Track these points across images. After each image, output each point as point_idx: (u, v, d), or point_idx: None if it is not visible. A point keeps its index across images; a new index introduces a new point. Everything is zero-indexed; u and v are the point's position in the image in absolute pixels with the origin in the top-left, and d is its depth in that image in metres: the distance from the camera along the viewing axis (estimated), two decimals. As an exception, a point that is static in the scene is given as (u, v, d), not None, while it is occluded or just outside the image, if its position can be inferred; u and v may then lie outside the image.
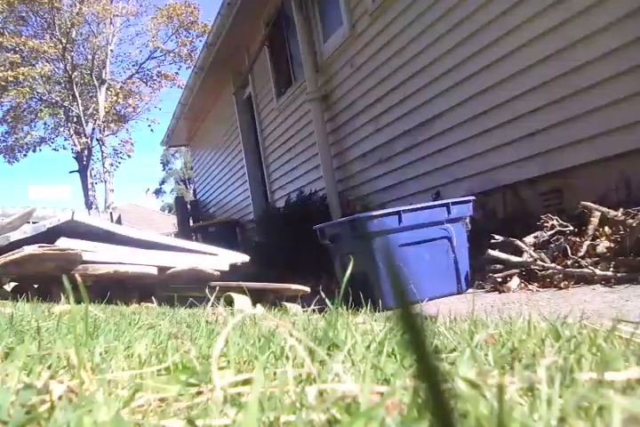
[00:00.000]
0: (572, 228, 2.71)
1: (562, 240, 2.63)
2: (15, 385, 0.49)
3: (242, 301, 2.28)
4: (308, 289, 2.59)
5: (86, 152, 22.69)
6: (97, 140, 22.36)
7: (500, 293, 2.55)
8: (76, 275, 0.87)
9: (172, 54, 22.95)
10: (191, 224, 11.36)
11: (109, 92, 22.47)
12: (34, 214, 3.06)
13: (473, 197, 2.87)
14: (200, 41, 21.01)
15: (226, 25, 7.02)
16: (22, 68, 19.74)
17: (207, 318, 1.15)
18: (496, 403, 0.36)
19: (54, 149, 26.50)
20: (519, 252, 2.71)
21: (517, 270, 2.64)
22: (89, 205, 22.25)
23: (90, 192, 22.70)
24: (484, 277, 2.76)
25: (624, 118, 2.82)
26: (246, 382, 0.55)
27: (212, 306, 1.24)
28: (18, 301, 2.03)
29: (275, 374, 0.60)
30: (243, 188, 9.17)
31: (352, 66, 5.32)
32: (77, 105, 21.67)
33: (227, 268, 2.67)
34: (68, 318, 1.13)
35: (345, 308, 1.23)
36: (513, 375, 0.55)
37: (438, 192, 4.25)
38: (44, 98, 22.10)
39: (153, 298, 2.49)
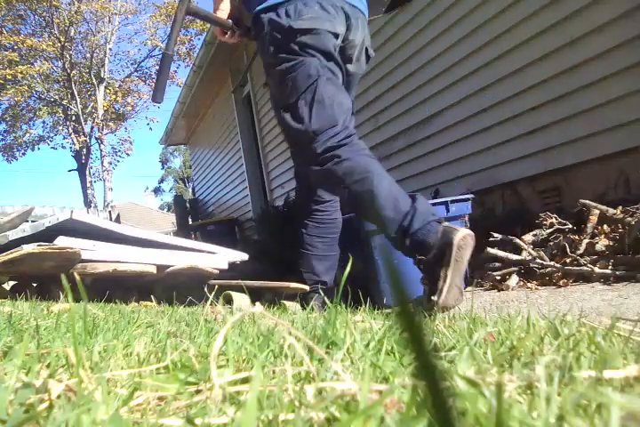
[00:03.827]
0: (570, 226, 2.71)
1: (561, 238, 2.63)
2: (14, 384, 0.49)
3: (241, 299, 2.28)
4: (307, 287, 2.59)
5: (85, 151, 22.67)
6: (96, 138, 22.32)
7: (498, 291, 2.55)
8: (75, 274, 0.87)
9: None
10: (190, 223, 11.36)
11: (108, 91, 22.44)
12: (33, 213, 3.06)
13: (472, 196, 2.87)
14: (199, 39, 20.98)
15: (224, 23, 7.00)
16: (21, 67, 19.70)
17: (206, 317, 1.15)
18: (495, 401, 0.36)
19: (53, 148, 26.54)
20: (518, 250, 2.71)
21: (516, 268, 2.65)
22: (88, 203, 22.24)
23: (89, 191, 22.68)
24: (483, 275, 2.77)
25: (623, 116, 2.82)
26: (245, 380, 0.55)
27: (210, 304, 1.24)
28: (17, 299, 2.03)
29: (274, 372, 0.60)
30: (242, 186, 9.17)
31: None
32: (76, 103, 21.64)
33: (226, 266, 2.67)
34: (67, 316, 1.13)
35: (344, 306, 1.23)
36: (512, 374, 0.55)
37: (437, 190, 4.25)
38: (43, 96, 22.07)
39: (152, 296, 2.49)
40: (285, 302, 2.46)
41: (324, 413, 0.43)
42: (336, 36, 1.85)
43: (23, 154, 23.87)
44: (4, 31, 20.30)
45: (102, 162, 22.08)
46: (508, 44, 3.47)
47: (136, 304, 2.26)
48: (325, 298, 1.46)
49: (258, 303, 2.22)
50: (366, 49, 2.04)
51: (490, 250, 2.73)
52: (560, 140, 3.21)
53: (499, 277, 2.66)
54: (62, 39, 20.66)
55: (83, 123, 22.01)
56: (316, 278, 2.33)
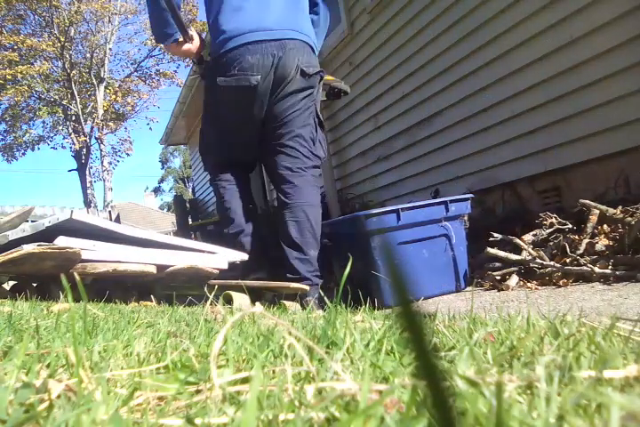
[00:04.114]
0: (570, 226, 2.71)
1: (561, 238, 2.63)
2: (14, 384, 0.49)
3: (240, 299, 2.27)
4: (307, 287, 2.58)
5: (85, 151, 22.67)
6: (95, 138, 22.33)
7: (498, 291, 2.55)
8: (75, 274, 0.87)
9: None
10: (190, 223, 11.35)
11: (108, 91, 22.44)
12: (33, 213, 3.06)
13: (471, 195, 2.87)
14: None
15: (224, 23, 7.00)
16: (21, 67, 19.70)
17: (206, 317, 1.15)
18: (495, 401, 0.36)
19: (53, 148, 26.57)
20: (518, 250, 2.71)
21: (516, 268, 2.65)
22: (88, 203, 22.25)
23: (88, 191, 22.68)
24: (483, 275, 2.77)
25: (623, 116, 2.82)
26: (245, 380, 0.55)
27: (210, 304, 1.23)
28: (17, 299, 2.03)
29: (273, 372, 0.60)
30: (242, 186, 9.15)
31: (351, 64, 5.32)
32: (76, 103, 21.64)
33: (226, 266, 2.66)
34: (67, 316, 1.13)
35: (344, 306, 1.23)
36: (512, 373, 0.55)
37: (437, 190, 4.25)
38: (43, 96, 22.07)
39: (152, 296, 2.49)
40: (285, 301, 2.46)
41: (324, 413, 0.43)
42: (250, 87, 2.52)
43: (23, 154, 23.90)
44: (4, 31, 20.30)
45: (102, 162, 22.08)
46: (507, 44, 3.47)
47: (136, 304, 2.26)
48: (325, 297, 1.46)
49: (258, 303, 2.22)
50: (302, 69, 2.56)
51: (490, 250, 2.73)
52: (560, 140, 3.21)
53: (499, 277, 2.66)
54: (62, 39, 20.66)
55: (83, 123, 22.01)
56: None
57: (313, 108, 2.68)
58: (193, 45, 2.71)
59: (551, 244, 2.66)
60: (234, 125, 2.67)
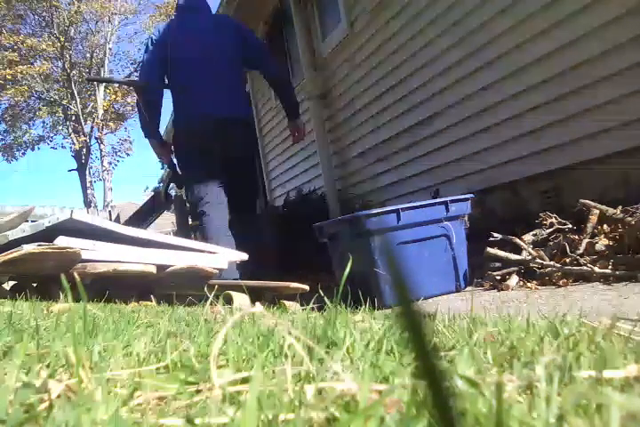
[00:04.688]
0: (570, 226, 2.71)
1: (561, 238, 2.63)
2: (14, 384, 0.49)
3: (240, 299, 2.28)
4: (307, 287, 2.59)
5: (85, 151, 22.67)
6: (95, 138, 22.33)
7: (498, 291, 2.55)
8: (75, 274, 0.87)
9: (170, 52, 22.88)
10: (190, 223, 11.33)
11: (108, 91, 22.44)
12: (33, 213, 3.06)
13: (471, 195, 2.87)
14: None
15: (224, 23, 6.99)
16: (20, 67, 19.70)
17: (206, 317, 1.15)
18: (494, 401, 0.36)
19: (53, 148, 26.60)
20: (518, 250, 2.71)
21: (516, 268, 2.64)
22: (88, 203, 22.25)
23: (88, 191, 22.69)
24: (483, 275, 2.76)
25: (623, 116, 2.82)
26: (245, 380, 0.55)
27: (210, 304, 1.23)
28: (17, 299, 2.03)
29: (273, 372, 0.60)
30: (242, 186, 9.14)
31: (351, 64, 5.32)
32: (76, 103, 21.64)
33: (225, 266, 2.66)
34: (67, 316, 1.13)
35: (344, 306, 1.23)
36: (512, 373, 0.55)
37: (437, 190, 4.24)
38: (43, 96, 22.07)
39: (152, 296, 2.49)
40: (285, 301, 2.46)
41: (324, 413, 0.43)
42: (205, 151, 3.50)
43: (23, 154, 23.91)
44: (4, 31, 20.30)
45: (102, 162, 22.08)
46: (507, 45, 3.47)
47: (136, 304, 2.26)
48: (325, 297, 1.47)
49: (258, 303, 2.22)
50: (240, 142, 3.59)
51: (490, 250, 2.73)
52: (560, 140, 3.21)
53: (499, 277, 2.66)
54: (62, 39, 20.66)
55: (83, 123, 22.01)
56: None
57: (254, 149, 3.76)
58: (165, 157, 3.84)
59: (551, 244, 2.66)
60: (199, 162, 3.54)
